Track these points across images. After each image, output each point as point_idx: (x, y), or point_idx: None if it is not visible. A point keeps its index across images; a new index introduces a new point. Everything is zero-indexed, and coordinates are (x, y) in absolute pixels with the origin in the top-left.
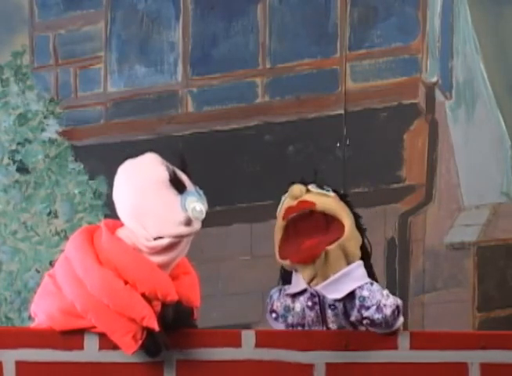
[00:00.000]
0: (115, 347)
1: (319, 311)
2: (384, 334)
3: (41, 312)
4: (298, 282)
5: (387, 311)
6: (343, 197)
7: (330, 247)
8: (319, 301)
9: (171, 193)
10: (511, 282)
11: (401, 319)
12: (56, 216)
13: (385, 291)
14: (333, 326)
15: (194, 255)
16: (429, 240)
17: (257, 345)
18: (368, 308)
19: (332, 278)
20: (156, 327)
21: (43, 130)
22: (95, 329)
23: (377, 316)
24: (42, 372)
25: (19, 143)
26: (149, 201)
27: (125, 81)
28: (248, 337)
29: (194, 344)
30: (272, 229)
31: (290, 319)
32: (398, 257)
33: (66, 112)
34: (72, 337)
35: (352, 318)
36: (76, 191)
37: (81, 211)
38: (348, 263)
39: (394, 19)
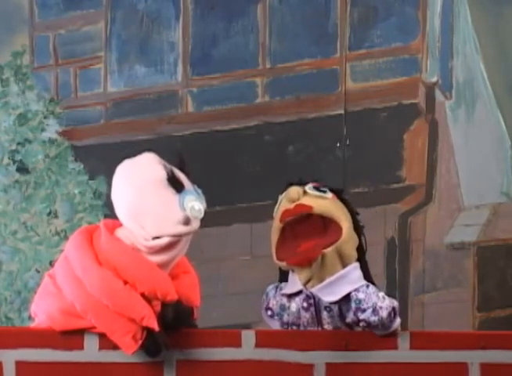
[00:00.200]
0: (115, 347)
1: (314, 312)
2: (383, 334)
3: (41, 312)
4: (294, 282)
5: (383, 313)
6: (339, 195)
7: (327, 250)
8: (314, 303)
9: (170, 192)
10: (511, 282)
11: (398, 321)
12: (56, 216)
13: (381, 293)
14: (328, 327)
15: (194, 255)
16: (429, 240)
17: (257, 345)
18: (364, 310)
19: (328, 280)
20: (156, 326)
21: (43, 130)
22: (95, 329)
23: (373, 319)
24: (42, 372)
25: (19, 143)
26: (148, 201)
27: (125, 81)
28: (248, 337)
29: (194, 344)
30: None
31: (285, 318)
32: (398, 257)
33: (66, 112)
34: (72, 337)
35: (348, 320)
36: (76, 191)
37: (81, 211)
38: (344, 265)
39: (394, 19)
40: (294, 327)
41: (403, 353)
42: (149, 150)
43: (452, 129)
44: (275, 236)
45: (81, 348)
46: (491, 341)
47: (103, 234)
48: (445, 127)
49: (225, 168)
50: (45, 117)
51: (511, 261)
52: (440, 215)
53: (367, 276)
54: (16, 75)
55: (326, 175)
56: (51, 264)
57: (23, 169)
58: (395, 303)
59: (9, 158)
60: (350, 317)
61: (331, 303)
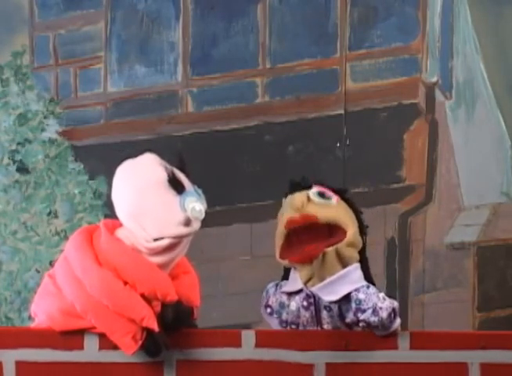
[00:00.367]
0: (115, 347)
1: (313, 312)
2: (383, 334)
3: (41, 312)
4: (295, 281)
5: (383, 314)
6: (343, 195)
7: (329, 250)
8: (314, 302)
9: (170, 193)
10: (511, 282)
11: (397, 322)
12: (56, 216)
13: (381, 294)
14: (327, 327)
15: (194, 255)
16: (429, 240)
17: (257, 345)
18: (364, 311)
19: (328, 280)
20: (155, 327)
21: (43, 130)
22: (95, 329)
23: (373, 319)
24: (42, 372)
25: (19, 143)
26: (149, 202)
27: (125, 81)
28: (248, 337)
29: (194, 344)
30: (272, 229)
31: (284, 316)
32: (398, 257)
33: (66, 112)
34: (72, 337)
35: (348, 320)
36: (76, 191)
37: (81, 211)
38: (344, 266)
39: (394, 19)
40: (293, 326)
41: (403, 353)
42: (149, 150)
43: (452, 129)
44: (279, 241)
45: (81, 348)
46: (491, 341)
47: (103, 234)
48: (445, 127)
49: (225, 168)
50: (45, 117)
51: (511, 261)
52: (440, 215)
53: (367, 277)
54: (16, 75)
55: (326, 175)
56: (51, 264)
57: (23, 169)
58: (395, 304)
59: (9, 158)
60: (350, 317)
61: (331, 303)
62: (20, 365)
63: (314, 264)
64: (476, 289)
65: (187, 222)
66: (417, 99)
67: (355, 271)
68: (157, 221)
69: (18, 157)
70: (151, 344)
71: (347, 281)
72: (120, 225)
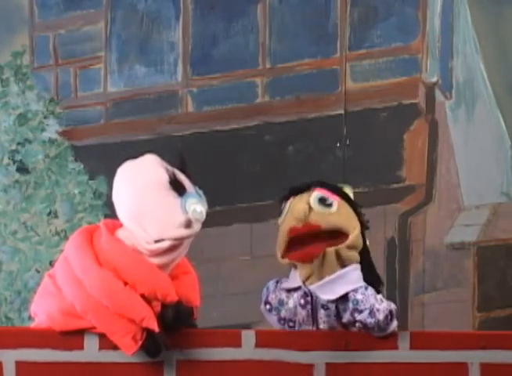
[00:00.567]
0: (115, 347)
1: (310, 310)
2: (379, 336)
3: (41, 312)
4: (295, 278)
5: (380, 316)
6: (342, 193)
7: (329, 250)
8: (311, 301)
9: (171, 195)
10: (511, 282)
11: (394, 324)
12: (56, 216)
13: (379, 296)
14: (324, 326)
15: (194, 255)
16: (429, 240)
17: (257, 345)
18: (361, 311)
19: (327, 279)
20: (156, 327)
21: (43, 130)
22: (95, 329)
23: (370, 321)
24: (42, 372)
25: (19, 143)
26: (149, 204)
27: (125, 81)
28: (248, 337)
29: (194, 344)
30: (272, 229)
31: (283, 313)
32: (398, 257)
33: (66, 112)
34: (72, 337)
35: (344, 320)
36: (76, 191)
37: (81, 211)
38: (343, 267)
39: (394, 19)
40: (290, 324)
41: (403, 353)
42: (149, 150)
43: (452, 129)
44: (281, 246)
45: (81, 348)
46: (491, 341)
47: (104, 235)
48: (445, 127)
49: (225, 168)
50: (45, 117)
51: (511, 261)
52: (440, 215)
53: (371, 275)
54: (16, 75)
55: (326, 175)
56: (51, 264)
57: (23, 169)
58: (393, 306)
59: (9, 158)
60: (346, 317)
61: (328, 302)
62: (20, 365)
63: (314, 263)
64: (476, 289)
65: (188, 224)
66: (417, 99)
67: (353, 271)
68: (158, 222)
69: (18, 157)
70: (151, 344)
71: (346, 281)
72: (121, 225)
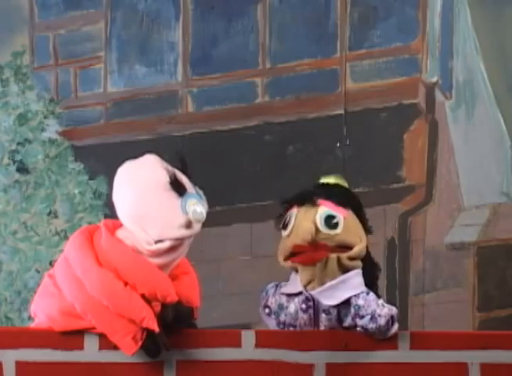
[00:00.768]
0: (115, 347)
1: (312, 315)
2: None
3: (41, 312)
4: (296, 283)
5: (382, 321)
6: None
7: (332, 256)
8: (313, 306)
9: (172, 196)
10: (511, 282)
11: (395, 327)
12: (56, 216)
13: (380, 301)
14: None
15: (194, 255)
16: (429, 240)
17: (257, 345)
18: (362, 317)
19: (329, 284)
20: (156, 328)
21: (43, 130)
22: (95, 329)
23: (371, 326)
24: (42, 372)
25: (19, 143)
26: (150, 204)
27: (125, 81)
28: (248, 337)
29: (194, 344)
30: (272, 229)
31: (282, 317)
32: (398, 257)
33: (66, 112)
34: (72, 337)
35: (345, 325)
36: (76, 191)
37: (81, 211)
38: (345, 272)
39: (394, 19)
40: (291, 328)
41: (403, 353)
42: (149, 150)
43: (452, 129)
44: (285, 253)
45: (81, 348)
46: (491, 341)
47: (104, 235)
48: (445, 127)
49: (225, 168)
50: (45, 117)
51: (511, 261)
52: (440, 215)
53: (371, 281)
54: (16, 75)
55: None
56: (51, 264)
57: (23, 169)
58: (394, 310)
59: (9, 158)
60: (348, 322)
61: (330, 307)
62: (20, 365)
63: (317, 267)
64: (476, 289)
65: (188, 224)
66: (417, 99)
67: (355, 277)
68: (159, 223)
69: (18, 157)
70: (151, 344)
71: (348, 286)
72: (121, 225)
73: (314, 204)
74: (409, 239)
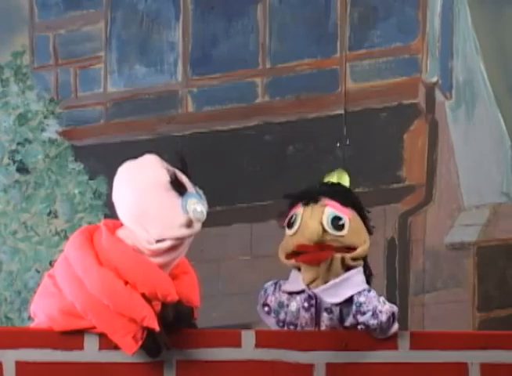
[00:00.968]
0: (115, 347)
1: (314, 313)
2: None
3: (41, 312)
4: (297, 281)
5: (383, 317)
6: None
7: (337, 255)
8: (315, 304)
9: (172, 195)
10: (511, 282)
11: (395, 326)
12: (56, 216)
13: (381, 298)
14: (325, 329)
15: (194, 255)
16: (429, 240)
17: (257, 345)
18: (364, 313)
19: (332, 282)
20: (156, 327)
21: (43, 130)
22: (96, 329)
23: (372, 322)
24: (42, 372)
25: (19, 143)
26: (150, 204)
27: (125, 81)
28: (248, 337)
29: (194, 344)
30: (272, 229)
31: (282, 316)
32: (398, 257)
33: (66, 112)
34: (72, 337)
35: (347, 323)
36: (76, 191)
37: (81, 211)
38: (347, 270)
39: (394, 19)
40: (291, 327)
41: (403, 353)
42: (149, 150)
43: (452, 129)
44: (287, 251)
45: (81, 348)
46: (491, 341)
47: (104, 234)
48: (445, 127)
49: (225, 168)
50: (45, 117)
51: (511, 261)
52: (440, 215)
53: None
54: (16, 75)
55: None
56: (51, 264)
57: (23, 169)
58: (395, 308)
59: (9, 158)
60: (349, 320)
61: (333, 305)
62: (20, 365)
63: (321, 267)
64: (476, 289)
65: (189, 224)
66: (417, 99)
67: (357, 274)
68: (159, 223)
69: (18, 157)
70: (151, 344)
71: (350, 284)
72: (121, 225)
73: (319, 204)
74: (409, 239)
